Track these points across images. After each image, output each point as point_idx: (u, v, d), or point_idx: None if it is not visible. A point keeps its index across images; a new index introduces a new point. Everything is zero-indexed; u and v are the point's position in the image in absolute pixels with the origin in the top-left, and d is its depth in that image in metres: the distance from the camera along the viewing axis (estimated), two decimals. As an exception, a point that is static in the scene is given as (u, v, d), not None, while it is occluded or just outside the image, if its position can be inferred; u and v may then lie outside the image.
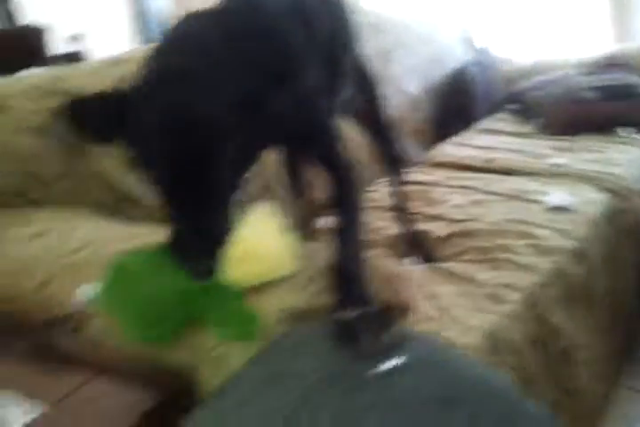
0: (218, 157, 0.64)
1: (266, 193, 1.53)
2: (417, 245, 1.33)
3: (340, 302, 0.68)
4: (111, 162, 1.24)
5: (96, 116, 0.66)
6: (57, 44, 2.98)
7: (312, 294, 0.70)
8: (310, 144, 0.92)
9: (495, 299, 1.12)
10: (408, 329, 0.61)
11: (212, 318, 0.69)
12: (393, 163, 1.33)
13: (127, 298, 0.70)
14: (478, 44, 2.60)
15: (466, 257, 1.29)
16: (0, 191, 1.16)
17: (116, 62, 1.36)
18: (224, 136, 0.64)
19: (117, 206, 1.26)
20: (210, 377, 0.67)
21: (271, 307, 0.69)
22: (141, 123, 0.64)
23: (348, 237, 0.82)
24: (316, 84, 0.90)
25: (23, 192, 1.18)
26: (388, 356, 0.55)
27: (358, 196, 0.90)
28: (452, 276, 1.21)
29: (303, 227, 1.38)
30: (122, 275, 0.71)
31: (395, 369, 0.54)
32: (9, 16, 3.75)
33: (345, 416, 0.49)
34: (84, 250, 0.91)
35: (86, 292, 0.77)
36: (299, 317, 0.67)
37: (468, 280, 1.18)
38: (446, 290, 1.15)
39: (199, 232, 0.63)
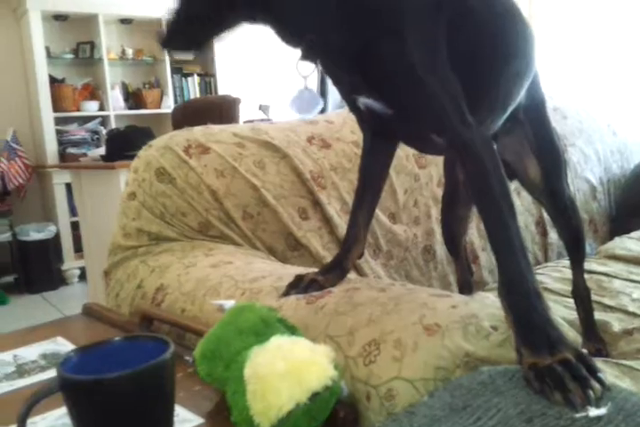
0: None
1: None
2: (594, 337, 1.21)
3: (528, 341, 0.59)
4: (290, 213, 1.32)
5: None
6: (247, 113, 3.39)
7: (495, 344, 0.66)
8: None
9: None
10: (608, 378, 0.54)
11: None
12: (576, 246, 1.17)
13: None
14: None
15: (649, 356, 1.15)
16: (188, 226, 1.26)
17: (308, 122, 1.47)
18: None
19: (284, 254, 1.32)
20: (377, 411, 0.64)
21: (448, 353, 0.65)
22: None
23: (504, 243, 0.64)
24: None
25: (206, 230, 1.27)
26: (595, 404, 0.50)
27: (499, 185, 0.67)
28: (632, 373, 1.07)
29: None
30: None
31: (601, 418, 0.48)
32: (211, 88, 4.88)
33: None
34: (261, 280, 0.95)
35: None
36: (478, 365, 0.63)
37: (654, 381, 1.04)
38: (627, 386, 1.02)
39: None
